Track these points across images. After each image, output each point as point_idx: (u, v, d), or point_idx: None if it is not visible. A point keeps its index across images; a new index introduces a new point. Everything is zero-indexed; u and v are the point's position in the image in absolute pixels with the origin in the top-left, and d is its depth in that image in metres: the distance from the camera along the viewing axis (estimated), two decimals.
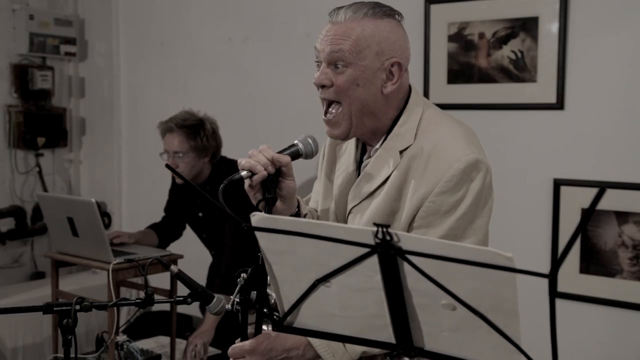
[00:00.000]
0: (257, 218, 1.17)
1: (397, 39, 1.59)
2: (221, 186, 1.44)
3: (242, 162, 1.52)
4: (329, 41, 1.57)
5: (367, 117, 1.60)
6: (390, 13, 1.60)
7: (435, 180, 1.53)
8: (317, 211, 1.80)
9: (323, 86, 1.59)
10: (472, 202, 1.56)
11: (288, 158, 1.55)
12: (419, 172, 1.56)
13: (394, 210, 1.58)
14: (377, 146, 1.64)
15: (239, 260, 3.09)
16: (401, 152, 1.58)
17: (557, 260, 0.91)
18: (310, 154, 1.60)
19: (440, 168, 1.53)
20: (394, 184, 1.58)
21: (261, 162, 1.52)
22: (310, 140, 1.60)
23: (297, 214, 1.63)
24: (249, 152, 1.55)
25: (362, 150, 1.72)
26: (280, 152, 1.56)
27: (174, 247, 3.42)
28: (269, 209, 1.50)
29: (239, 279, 1.37)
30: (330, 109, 1.61)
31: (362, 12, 1.57)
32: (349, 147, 1.74)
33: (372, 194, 1.61)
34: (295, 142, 1.60)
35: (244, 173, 1.51)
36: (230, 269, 3.03)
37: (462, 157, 1.54)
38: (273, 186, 1.51)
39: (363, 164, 1.68)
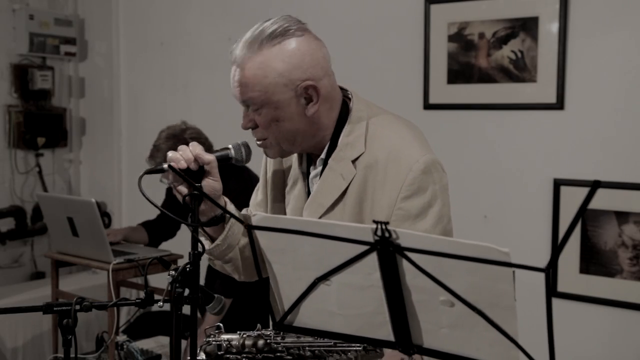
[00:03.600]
0: (258, 217, 1.17)
1: (302, 59, 1.51)
2: (140, 175, 1.46)
3: (169, 154, 1.53)
4: (236, 89, 1.55)
5: (299, 140, 1.57)
6: (290, 32, 1.53)
7: (398, 186, 1.50)
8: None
9: (252, 128, 1.59)
10: (443, 204, 1.52)
11: (212, 157, 1.54)
12: (378, 182, 1.53)
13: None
14: (322, 155, 1.60)
15: None
16: (353, 161, 1.55)
17: (553, 254, 0.91)
18: (240, 160, 1.60)
19: (400, 173, 1.50)
20: (353, 197, 1.55)
21: (185, 157, 1.51)
22: (242, 147, 1.60)
23: (222, 216, 1.60)
24: (179, 146, 1.56)
25: (308, 160, 1.67)
26: (211, 152, 1.56)
27: (174, 247, 3.42)
28: (195, 205, 1.49)
29: (167, 275, 1.38)
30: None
31: (256, 45, 1.51)
32: (294, 159, 1.69)
33: (330, 208, 1.57)
34: (229, 146, 1.60)
35: (166, 165, 1.52)
36: None
37: (420, 159, 1.50)
38: (196, 183, 1.52)
39: (311, 176, 1.65)
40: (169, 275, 1.37)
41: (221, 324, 1.54)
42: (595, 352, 2.96)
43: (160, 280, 3.33)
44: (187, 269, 1.36)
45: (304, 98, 1.53)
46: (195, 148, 1.53)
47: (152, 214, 3.60)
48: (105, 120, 4.66)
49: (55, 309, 1.43)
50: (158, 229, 3.49)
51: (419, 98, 3.31)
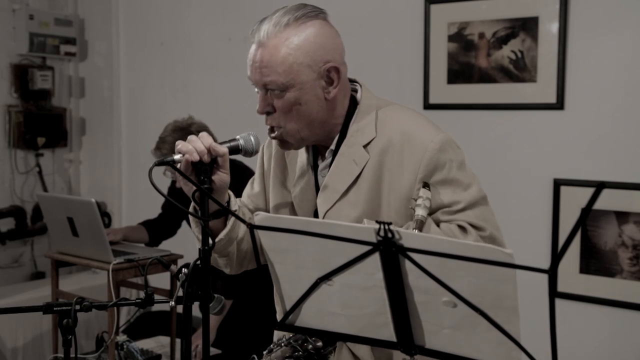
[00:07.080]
0: (261, 217, 1.16)
1: (326, 40, 1.53)
2: (150, 167, 1.42)
3: (179, 145, 1.50)
4: (257, 70, 1.51)
5: (316, 128, 1.56)
6: (313, 14, 1.54)
7: (415, 167, 1.51)
8: (250, 209, 1.76)
9: (268, 113, 1.55)
10: (458, 170, 1.54)
11: (225, 149, 1.51)
12: (395, 164, 1.54)
13: (375, 208, 1.56)
14: (332, 147, 1.60)
15: None
16: (364, 146, 1.56)
17: (556, 256, 0.91)
18: (250, 151, 1.57)
19: (416, 154, 1.52)
20: (368, 181, 1.55)
21: (198, 148, 1.48)
22: (252, 138, 1.57)
23: (225, 208, 1.57)
24: (188, 137, 1.53)
25: (314, 153, 1.66)
26: (220, 144, 1.53)
27: (174, 247, 3.42)
28: (204, 200, 1.46)
29: (179, 275, 1.37)
30: (274, 128, 1.57)
31: (282, 24, 1.50)
32: (300, 151, 1.67)
33: (344, 193, 1.57)
34: (237, 137, 1.57)
35: (177, 157, 1.48)
36: None
37: (434, 138, 1.52)
38: (206, 176, 1.49)
39: (320, 167, 1.64)
40: (180, 274, 1.36)
41: (255, 356, 1.50)
42: (595, 352, 2.96)
43: (160, 280, 3.33)
44: (198, 265, 1.36)
45: (325, 81, 1.53)
46: (205, 139, 1.50)
47: (152, 213, 3.60)
48: (105, 120, 4.66)
49: (55, 309, 1.43)
50: (158, 228, 3.49)
51: (419, 98, 3.31)
